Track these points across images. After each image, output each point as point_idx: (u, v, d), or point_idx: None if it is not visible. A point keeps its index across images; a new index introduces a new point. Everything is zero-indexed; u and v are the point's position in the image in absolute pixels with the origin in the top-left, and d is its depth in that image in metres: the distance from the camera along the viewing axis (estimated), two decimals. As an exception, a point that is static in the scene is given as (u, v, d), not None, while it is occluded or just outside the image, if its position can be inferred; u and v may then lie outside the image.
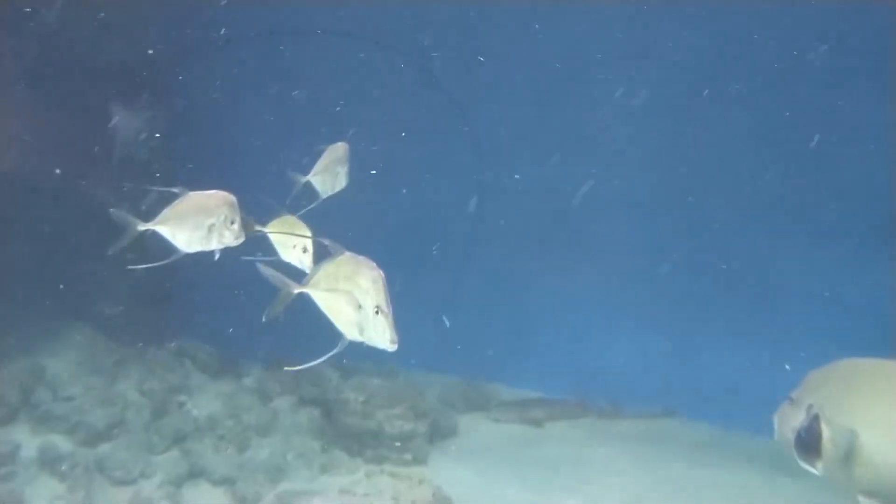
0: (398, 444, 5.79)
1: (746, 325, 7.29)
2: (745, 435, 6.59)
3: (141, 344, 6.36)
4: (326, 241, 2.94)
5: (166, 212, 3.33)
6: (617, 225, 8.05)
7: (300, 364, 3.30)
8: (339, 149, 4.27)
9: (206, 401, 5.88)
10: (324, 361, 6.37)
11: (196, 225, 3.29)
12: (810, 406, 3.43)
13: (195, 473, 5.30)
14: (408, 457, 5.78)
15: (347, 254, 2.86)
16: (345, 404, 5.93)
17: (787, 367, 4.69)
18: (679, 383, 7.17)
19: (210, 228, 3.27)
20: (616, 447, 6.48)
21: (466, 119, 7.96)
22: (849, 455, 3.35)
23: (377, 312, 2.68)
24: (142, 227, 3.28)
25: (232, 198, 3.33)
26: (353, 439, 5.86)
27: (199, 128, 7.43)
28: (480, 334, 7.78)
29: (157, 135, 6.61)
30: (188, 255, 3.43)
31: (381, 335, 2.69)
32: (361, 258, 2.82)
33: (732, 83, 7.34)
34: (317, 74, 7.76)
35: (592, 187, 8.00)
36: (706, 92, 7.37)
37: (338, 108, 7.41)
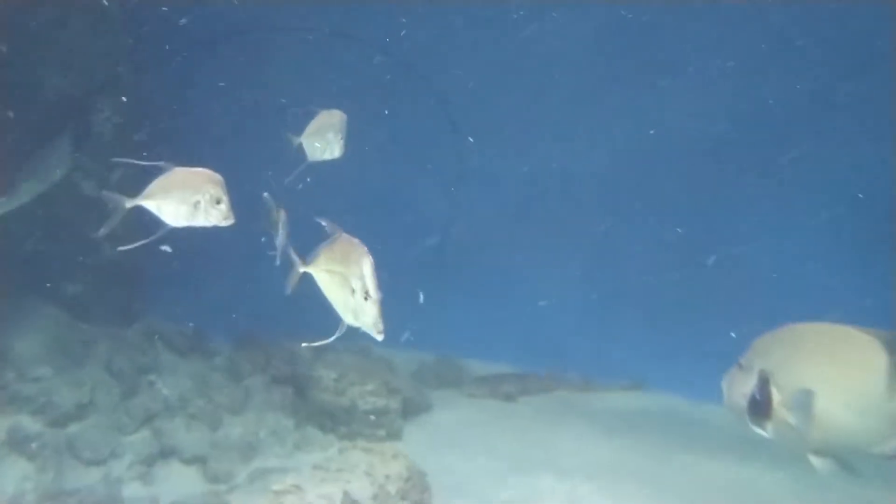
0: (373, 417, 5.80)
1: (712, 298, 7.39)
2: (712, 404, 6.70)
3: (110, 324, 6.29)
4: (324, 222, 2.96)
5: (152, 186, 3.35)
6: (588, 203, 8.10)
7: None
8: (333, 115, 4.14)
9: (177, 380, 5.82)
10: (297, 339, 6.34)
11: (181, 199, 3.31)
12: (762, 371, 3.55)
13: (166, 453, 5.27)
14: (381, 433, 5.80)
15: (343, 235, 2.88)
16: (317, 382, 5.92)
17: (733, 334, 4.84)
18: (648, 356, 7.25)
19: (196, 205, 3.29)
20: (588, 419, 6.55)
21: (442, 103, 7.95)
22: (803, 417, 3.46)
23: (366, 298, 2.69)
24: (129, 203, 3.30)
25: (218, 177, 3.35)
26: (327, 416, 5.86)
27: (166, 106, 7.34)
28: (454, 311, 7.80)
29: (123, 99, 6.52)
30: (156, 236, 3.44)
31: (369, 322, 2.70)
32: (355, 240, 2.84)
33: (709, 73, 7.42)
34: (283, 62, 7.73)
35: (563, 167, 8.05)
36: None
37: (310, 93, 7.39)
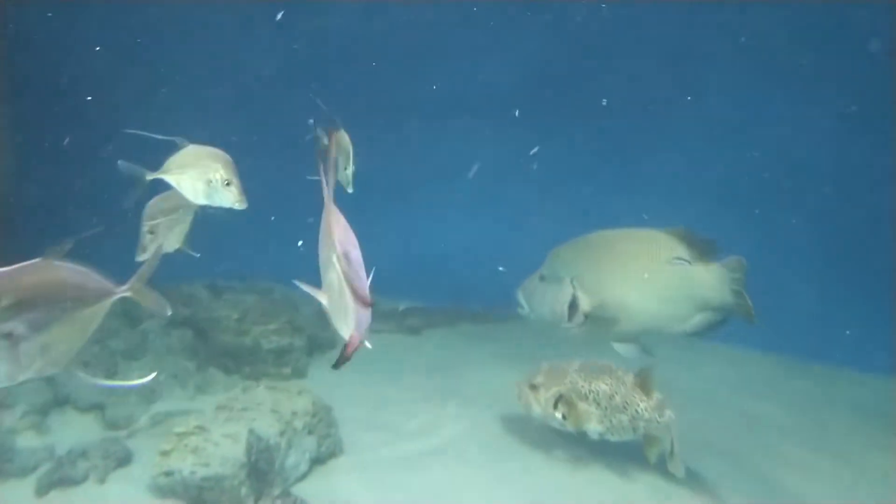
0: (287, 370, 5.77)
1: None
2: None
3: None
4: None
5: (169, 162, 3.40)
6: (484, 144, 8.19)
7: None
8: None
9: (68, 327, 5.59)
10: (196, 282, 6.18)
11: (196, 177, 3.35)
12: (572, 278, 4.18)
13: (61, 401, 5.08)
14: (286, 370, 5.78)
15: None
16: (218, 323, 5.82)
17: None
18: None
19: (209, 184, 3.32)
20: (490, 348, 6.72)
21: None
22: (610, 313, 4.15)
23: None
24: (149, 176, 3.37)
25: (226, 157, 3.35)
26: (229, 357, 5.78)
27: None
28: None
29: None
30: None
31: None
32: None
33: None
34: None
35: (453, 101, 8.10)
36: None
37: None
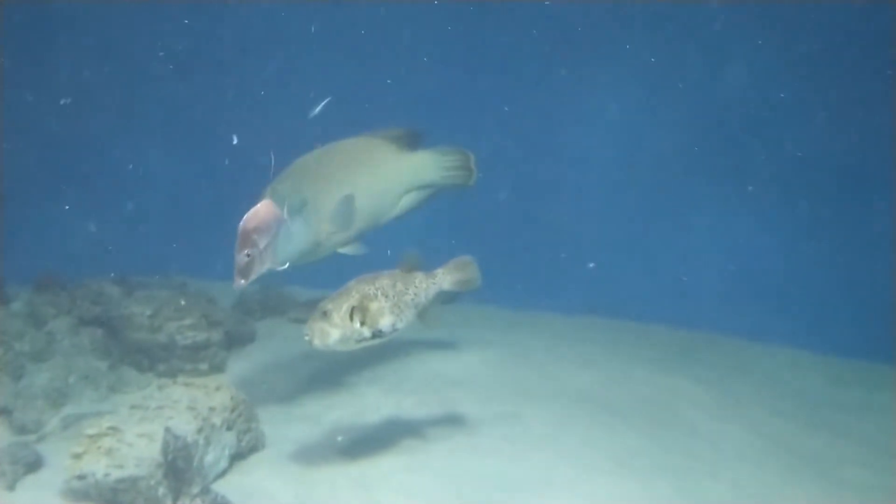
0: (204, 365, 5.67)
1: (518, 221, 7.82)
2: (530, 311, 7.27)
3: None
4: None
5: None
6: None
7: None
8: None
9: (-32, 331, 5.35)
10: (105, 278, 6.03)
11: None
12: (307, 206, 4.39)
13: (-36, 408, 4.86)
14: (203, 366, 5.67)
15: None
16: (130, 320, 5.65)
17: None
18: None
19: None
20: (411, 334, 6.73)
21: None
22: (348, 219, 4.54)
23: None
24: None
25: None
26: (143, 355, 5.63)
27: None
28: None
29: None
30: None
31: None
32: None
33: None
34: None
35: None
36: None
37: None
